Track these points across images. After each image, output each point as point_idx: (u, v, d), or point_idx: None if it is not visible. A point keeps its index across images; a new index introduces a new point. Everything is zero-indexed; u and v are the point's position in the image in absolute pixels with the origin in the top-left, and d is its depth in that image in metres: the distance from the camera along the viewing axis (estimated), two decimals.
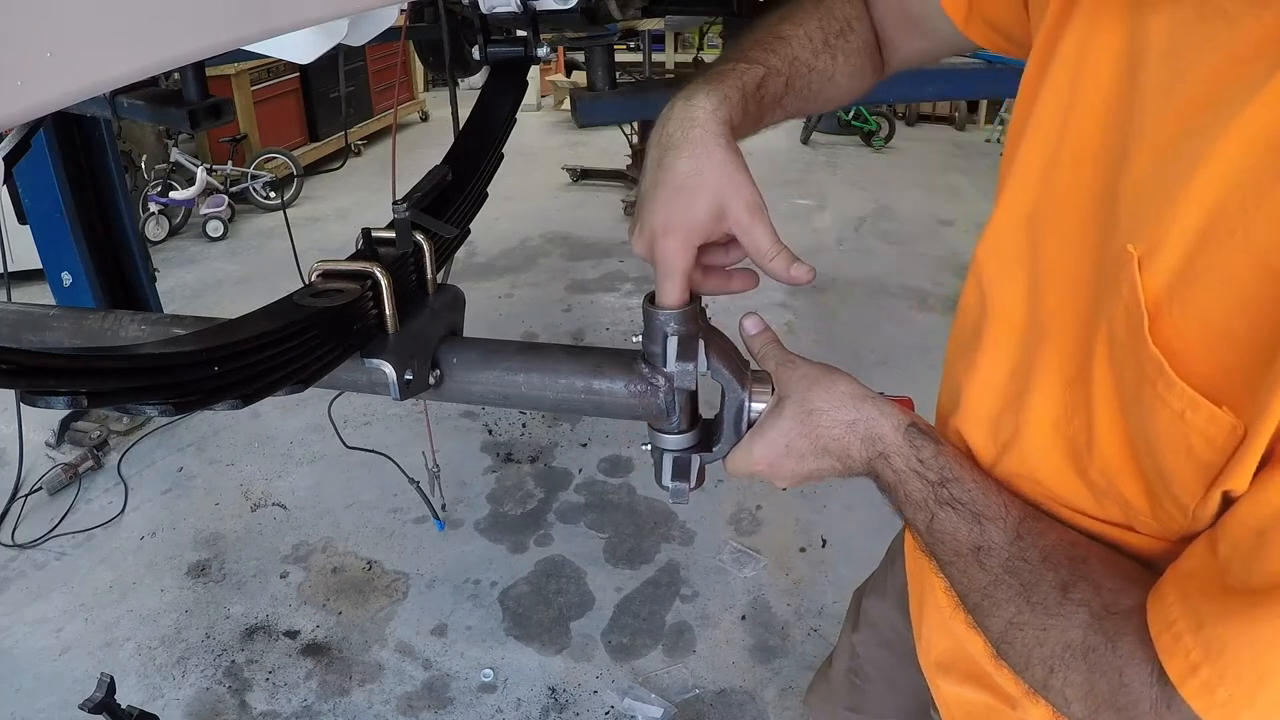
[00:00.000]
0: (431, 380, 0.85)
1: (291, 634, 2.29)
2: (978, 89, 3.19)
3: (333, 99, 6.22)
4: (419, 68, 7.53)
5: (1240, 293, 0.46)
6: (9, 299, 2.12)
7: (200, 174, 5.00)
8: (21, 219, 2.92)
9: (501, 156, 1.28)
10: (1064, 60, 0.61)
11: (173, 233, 5.06)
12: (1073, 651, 0.54)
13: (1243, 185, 0.46)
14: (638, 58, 6.33)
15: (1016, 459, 0.66)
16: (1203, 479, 0.49)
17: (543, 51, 1.54)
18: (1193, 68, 0.50)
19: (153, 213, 4.90)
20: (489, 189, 1.21)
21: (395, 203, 0.85)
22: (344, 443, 2.58)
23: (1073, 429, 0.60)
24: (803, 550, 2.53)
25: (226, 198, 5.15)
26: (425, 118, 7.82)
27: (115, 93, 1.88)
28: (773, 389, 0.77)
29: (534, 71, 6.11)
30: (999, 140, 6.79)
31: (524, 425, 3.18)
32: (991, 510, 0.62)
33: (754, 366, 0.80)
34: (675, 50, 8.69)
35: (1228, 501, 0.48)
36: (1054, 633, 0.55)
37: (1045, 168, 0.62)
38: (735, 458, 0.76)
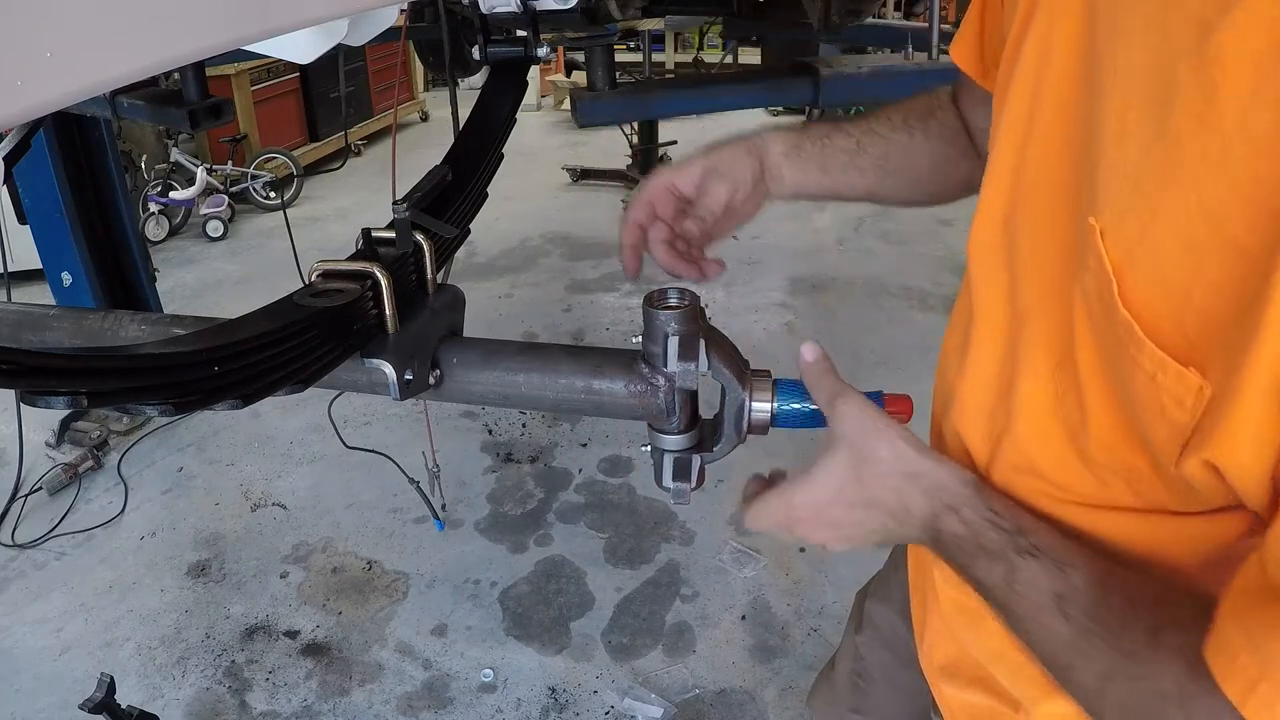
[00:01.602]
0: (431, 380, 0.85)
1: (291, 634, 2.29)
2: None
3: (333, 99, 6.21)
4: (419, 68, 7.53)
5: (1196, 256, 0.46)
6: (9, 299, 2.12)
7: (200, 174, 5.00)
8: (21, 219, 2.92)
9: (501, 156, 1.28)
10: (1029, 53, 0.62)
11: (173, 233, 5.06)
12: (1168, 702, 0.50)
13: (1192, 150, 0.46)
14: (638, 58, 6.35)
15: (1011, 448, 0.66)
16: (1176, 441, 0.49)
17: (543, 51, 1.54)
18: (1135, 33, 0.51)
19: (153, 213, 4.90)
20: (489, 189, 1.21)
21: (395, 203, 0.85)
22: (344, 443, 2.58)
23: (1065, 409, 0.60)
24: (803, 550, 2.53)
25: (226, 198, 5.15)
26: (425, 118, 7.82)
27: (115, 93, 1.89)
28: (773, 389, 0.77)
29: (534, 71, 6.11)
30: None
31: (524, 425, 3.18)
32: (1071, 556, 0.59)
33: (754, 367, 0.80)
34: (675, 50, 8.69)
35: (1215, 472, 0.48)
36: (1147, 683, 0.51)
37: (1016, 164, 0.64)
38: (769, 505, 0.71)
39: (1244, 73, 0.43)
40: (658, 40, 7.93)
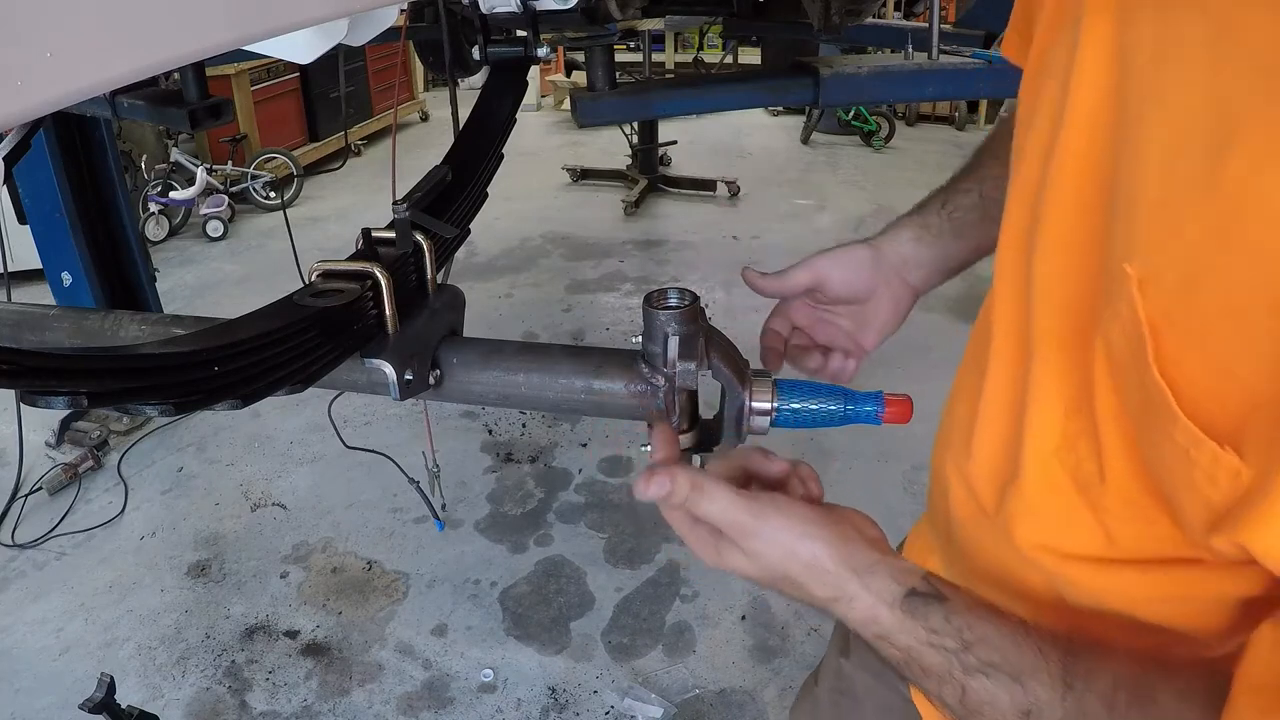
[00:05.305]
0: (431, 380, 0.85)
1: (291, 634, 2.29)
2: (978, 89, 3.18)
3: (333, 99, 6.21)
4: (419, 68, 7.53)
5: (1244, 324, 0.41)
6: (9, 299, 2.12)
7: (200, 174, 4.99)
8: (21, 219, 2.92)
9: (501, 156, 1.28)
10: (1055, 68, 0.59)
11: (173, 233, 5.05)
12: None
13: (1252, 199, 0.41)
14: (638, 58, 6.35)
15: (1016, 498, 0.62)
16: (1206, 516, 0.45)
17: (543, 51, 1.54)
18: (1183, 74, 0.46)
19: (153, 213, 4.89)
20: (489, 189, 1.21)
21: (395, 203, 0.85)
22: (344, 443, 2.58)
23: (1077, 456, 0.57)
24: None
25: (226, 198, 5.14)
26: (425, 118, 7.82)
27: (115, 93, 1.89)
28: (774, 390, 0.77)
29: (534, 71, 6.11)
30: None
31: (524, 425, 3.18)
32: (1029, 663, 0.53)
33: (754, 366, 0.80)
34: (675, 50, 8.70)
35: (1245, 550, 0.43)
36: None
37: (1039, 181, 0.60)
38: (718, 507, 0.61)
39: None
40: (658, 40, 7.93)
